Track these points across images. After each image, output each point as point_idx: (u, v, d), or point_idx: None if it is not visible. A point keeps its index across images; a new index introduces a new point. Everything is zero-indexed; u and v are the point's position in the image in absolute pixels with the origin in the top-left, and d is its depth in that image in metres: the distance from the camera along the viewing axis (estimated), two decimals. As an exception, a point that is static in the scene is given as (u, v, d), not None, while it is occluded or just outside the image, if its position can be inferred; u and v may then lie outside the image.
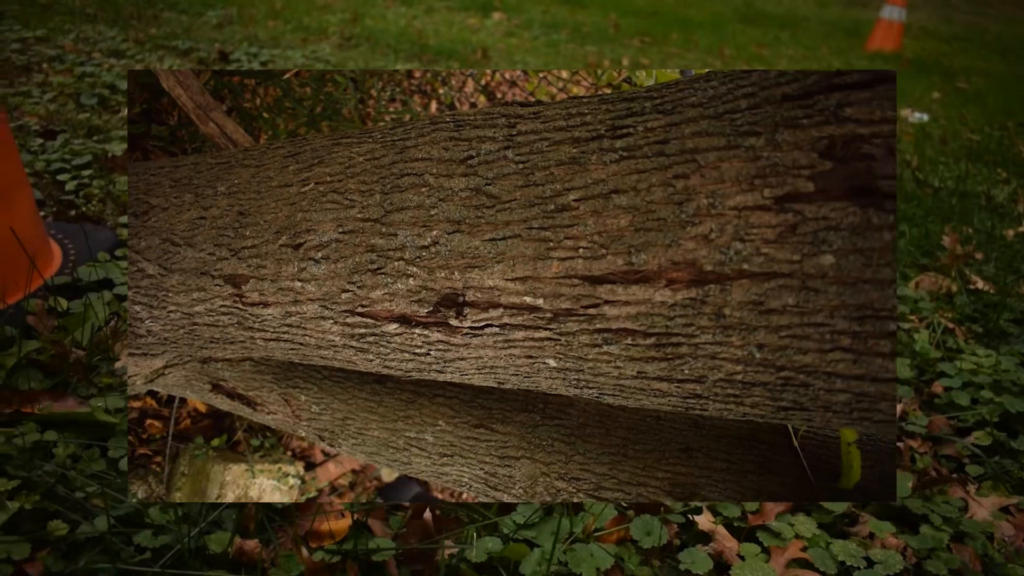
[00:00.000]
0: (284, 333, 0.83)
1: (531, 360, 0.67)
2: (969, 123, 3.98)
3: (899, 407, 1.35)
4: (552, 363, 0.66)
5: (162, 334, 0.96)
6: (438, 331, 0.70)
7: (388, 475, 2.50)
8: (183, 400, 2.25)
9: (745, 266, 0.53)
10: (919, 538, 1.04)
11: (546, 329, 0.64)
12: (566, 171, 0.63)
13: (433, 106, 3.13)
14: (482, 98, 3.28)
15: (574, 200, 0.62)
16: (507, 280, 0.64)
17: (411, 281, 0.70)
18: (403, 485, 2.44)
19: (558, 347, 0.64)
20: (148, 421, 2.17)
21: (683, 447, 0.92)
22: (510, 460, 0.99)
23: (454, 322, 0.68)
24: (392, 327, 0.73)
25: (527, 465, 0.98)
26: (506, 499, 1.01)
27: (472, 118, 0.74)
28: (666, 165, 0.58)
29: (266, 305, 0.82)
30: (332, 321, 0.77)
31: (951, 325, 1.66)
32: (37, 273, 1.36)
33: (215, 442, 2.24)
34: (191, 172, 0.95)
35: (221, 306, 0.86)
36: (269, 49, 3.60)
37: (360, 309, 0.74)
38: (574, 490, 0.95)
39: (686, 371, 0.59)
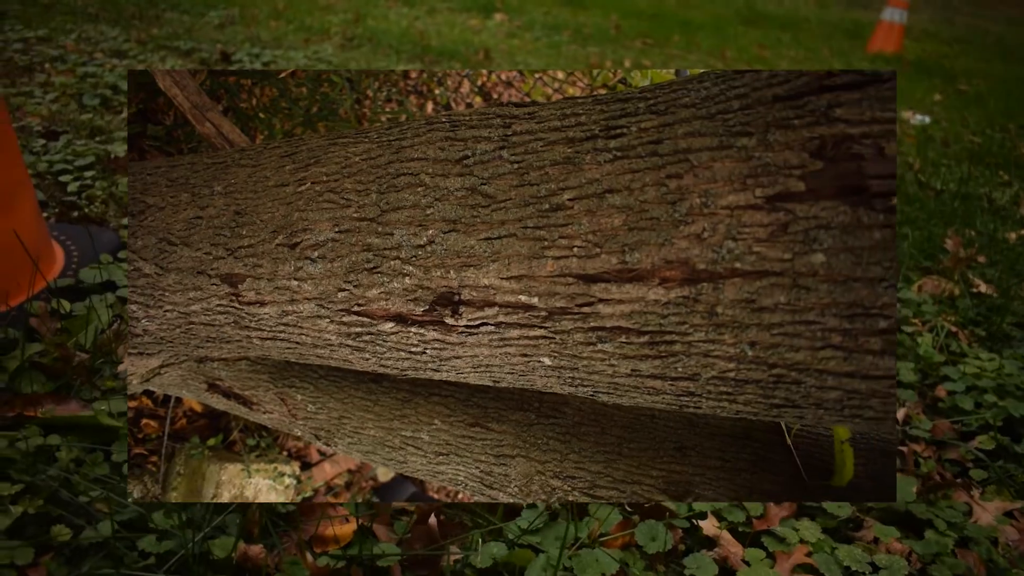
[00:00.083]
0: (280, 332, 0.84)
1: (526, 358, 0.68)
2: (970, 125, 3.98)
3: (903, 411, 1.35)
4: (547, 361, 0.67)
5: (158, 333, 0.97)
6: (434, 330, 0.71)
7: (384, 475, 2.50)
8: (179, 400, 2.24)
9: (737, 265, 0.54)
10: (924, 543, 1.04)
11: (541, 327, 0.64)
12: (561, 171, 0.63)
13: (429, 106, 3.13)
14: (478, 99, 3.28)
15: (568, 199, 0.62)
16: (502, 279, 0.65)
17: (407, 280, 0.70)
18: (399, 485, 2.44)
19: (553, 345, 0.65)
20: (144, 421, 2.17)
21: (677, 445, 0.93)
22: (505, 459, 1.00)
23: (450, 321, 0.69)
24: (388, 326, 0.73)
25: (522, 464, 0.99)
26: (502, 498, 1.01)
27: (468, 118, 0.74)
28: (659, 165, 0.58)
29: (262, 304, 0.82)
30: (328, 320, 0.78)
31: (954, 329, 1.66)
32: (40, 275, 1.35)
33: (211, 442, 2.24)
34: (188, 172, 0.95)
35: (217, 305, 0.87)
36: (271, 50, 3.60)
37: (356, 308, 0.74)
38: (569, 488, 0.96)
39: (679, 369, 0.60)
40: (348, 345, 0.79)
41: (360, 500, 2.05)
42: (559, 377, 0.69)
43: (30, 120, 2.21)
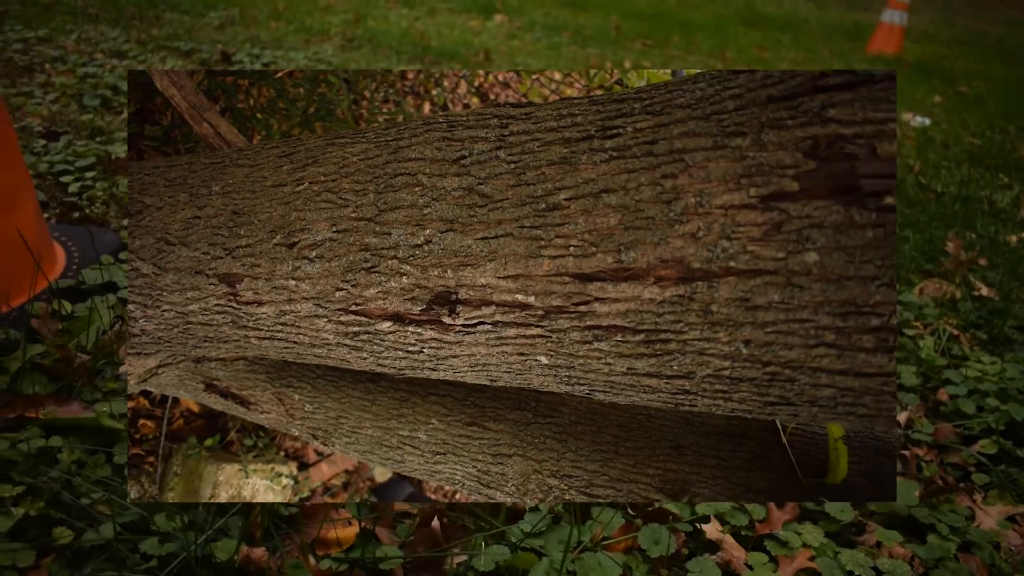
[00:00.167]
0: (278, 332, 0.84)
1: (523, 357, 0.68)
2: (971, 127, 3.98)
3: (905, 414, 1.35)
4: (543, 360, 0.67)
5: (156, 333, 0.97)
6: (431, 329, 0.71)
7: (382, 475, 2.51)
8: (176, 400, 2.24)
9: (732, 263, 0.54)
10: (926, 547, 1.04)
11: (537, 326, 0.65)
12: (557, 171, 0.64)
13: (426, 107, 3.14)
14: (475, 99, 3.29)
15: (565, 199, 0.63)
16: (499, 278, 0.65)
17: (404, 279, 0.70)
18: (396, 485, 2.45)
19: (549, 344, 0.65)
20: (141, 421, 2.17)
21: (673, 444, 0.93)
22: (503, 458, 1.00)
23: (447, 320, 0.69)
24: (386, 325, 0.74)
25: (519, 463, 0.99)
26: (499, 497, 1.01)
27: (465, 119, 0.75)
28: (655, 165, 0.59)
29: (260, 304, 0.82)
30: (326, 319, 0.78)
31: (956, 332, 1.66)
32: (41, 276, 1.35)
33: (208, 442, 2.24)
34: (186, 172, 0.95)
35: (215, 305, 0.87)
36: (271, 50, 3.60)
37: (354, 307, 0.75)
38: (566, 487, 0.96)
39: (675, 367, 0.60)
40: (346, 344, 0.79)
41: (358, 501, 2.06)
42: (556, 376, 0.69)
43: (30, 120, 2.21)
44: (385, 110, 2.83)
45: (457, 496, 2.37)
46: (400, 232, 0.71)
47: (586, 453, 0.96)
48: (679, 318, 0.58)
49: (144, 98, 2.31)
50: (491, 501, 1.04)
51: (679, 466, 0.92)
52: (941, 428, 1.33)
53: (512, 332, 0.67)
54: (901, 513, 1.11)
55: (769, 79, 0.57)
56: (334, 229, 0.76)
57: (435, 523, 1.00)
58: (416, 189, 0.72)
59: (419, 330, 0.72)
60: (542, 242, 0.63)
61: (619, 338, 0.61)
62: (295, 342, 0.84)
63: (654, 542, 0.99)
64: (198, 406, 2.31)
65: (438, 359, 0.75)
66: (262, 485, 2.20)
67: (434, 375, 0.79)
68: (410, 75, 3.15)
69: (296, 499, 2.25)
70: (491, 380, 0.76)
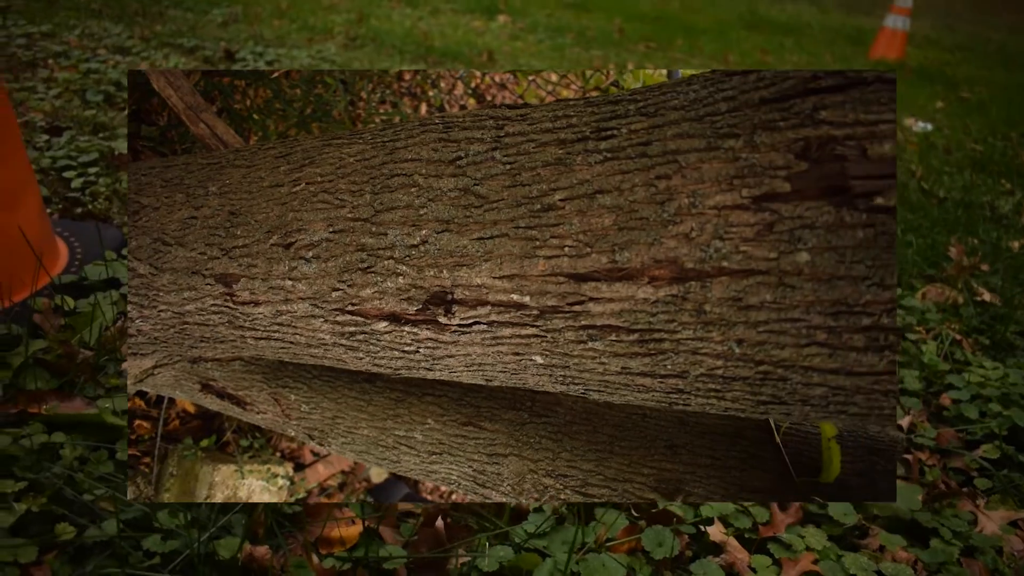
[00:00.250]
0: (275, 332, 0.84)
1: (518, 357, 0.69)
2: (973, 133, 3.98)
3: (907, 418, 1.36)
4: (539, 360, 0.68)
5: (152, 333, 0.97)
6: (427, 329, 0.72)
7: (378, 476, 2.51)
8: (172, 401, 2.24)
9: (724, 263, 0.55)
10: (929, 552, 1.05)
11: (533, 326, 0.65)
12: (552, 172, 0.64)
13: (423, 108, 3.14)
14: (472, 101, 3.30)
15: (560, 200, 0.63)
16: (495, 278, 0.66)
17: (400, 280, 0.71)
18: (392, 486, 2.45)
19: (544, 344, 0.66)
20: (137, 422, 2.17)
21: (668, 444, 0.94)
22: (498, 457, 1.01)
23: (443, 320, 0.70)
24: (382, 325, 0.74)
25: (515, 462, 0.99)
26: (494, 497, 1.02)
27: (461, 120, 0.75)
28: (649, 166, 0.59)
29: (257, 304, 0.83)
30: (322, 320, 0.78)
31: (958, 337, 1.67)
32: (44, 271, 1.35)
33: (204, 443, 2.24)
34: (182, 172, 0.96)
35: (212, 305, 0.87)
36: (275, 48, 3.59)
37: (350, 307, 0.75)
38: (561, 487, 0.97)
39: (668, 366, 0.61)
40: (342, 344, 0.80)
41: (354, 501, 2.05)
42: (551, 375, 0.69)
43: (33, 116, 2.21)
44: (382, 111, 2.84)
45: (453, 496, 2.38)
46: (396, 232, 0.71)
47: (581, 453, 0.96)
48: (673, 318, 0.58)
49: (141, 98, 2.31)
50: (487, 501, 1.04)
51: (674, 465, 0.92)
52: (944, 433, 1.34)
53: (507, 332, 0.67)
54: (904, 517, 1.11)
55: (762, 81, 0.58)
56: (330, 229, 0.76)
57: (439, 523, 1.00)
58: (412, 190, 0.72)
59: (415, 330, 0.72)
60: (537, 242, 0.64)
61: (613, 338, 0.61)
62: (291, 342, 0.84)
63: (658, 544, 0.99)
64: (194, 407, 2.31)
65: (434, 359, 0.75)
66: (258, 486, 2.20)
67: (430, 375, 0.80)
68: (407, 76, 3.16)
69: (292, 499, 2.25)
70: (487, 380, 0.76)
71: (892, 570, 1.00)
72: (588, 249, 0.61)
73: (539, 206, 0.64)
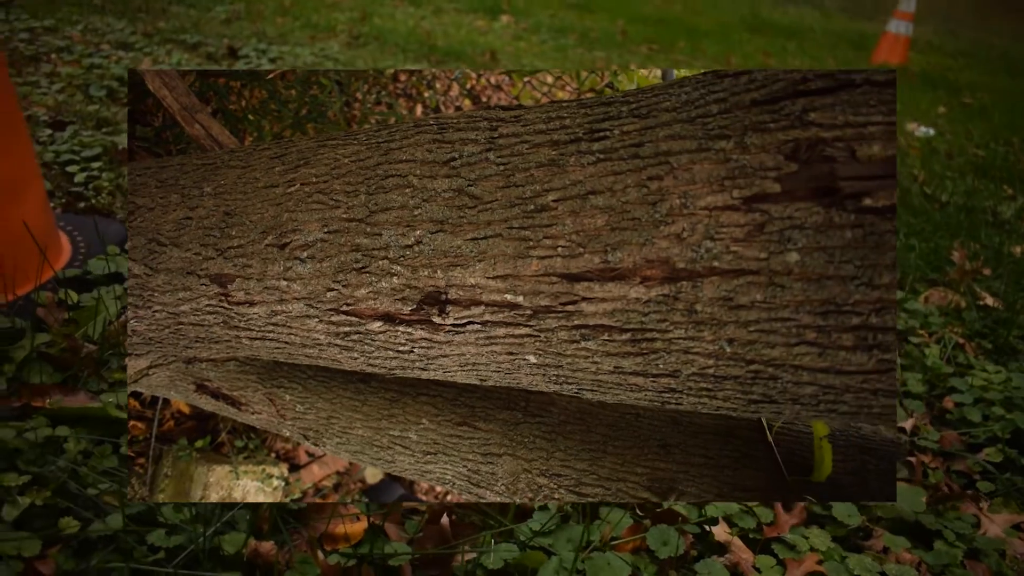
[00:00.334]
0: (270, 332, 0.85)
1: (512, 356, 0.69)
2: (975, 138, 3.98)
3: (911, 421, 1.37)
4: (532, 359, 0.68)
5: (147, 334, 0.97)
6: (421, 329, 0.72)
7: (372, 476, 2.51)
8: (166, 401, 2.24)
9: (715, 263, 0.55)
10: (933, 554, 1.05)
11: (526, 326, 0.66)
12: (545, 172, 0.65)
13: (419, 109, 3.15)
14: (467, 102, 3.30)
15: (553, 200, 0.64)
16: (488, 278, 0.66)
17: (395, 280, 0.71)
18: (387, 486, 2.45)
19: (538, 343, 0.66)
20: (131, 422, 2.17)
21: (661, 443, 0.95)
22: (493, 457, 1.01)
23: (437, 320, 0.70)
24: (376, 325, 0.75)
25: (509, 462, 1.00)
26: (489, 496, 1.02)
27: (455, 121, 0.75)
28: (641, 167, 0.60)
29: (252, 304, 0.83)
30: (317, 320, 0.79)
31: (961, 340, 1.67)
32: (48, 265, 1.35)
33: (199, 443, 2.24)
34: (177, 172, 0.96)
35: (207, 305, 0.87)
36: (278, 46, 3.59)
37: (345, 307, 0.75)
38: (555, 486, 0.97)
39: (661, 366, 0.61)
40: (337, 344, 0.80)
41: (350, 502, 2.05)
42: (544, 375, 0.70)
43: (36, 110, 2.20)
44: (377, 112, 2.84)
45: (449, 497, 2.38)
46: (391, 233, 0.72)
47: (575, 452, 0.97)
48: (664, 317, 0.59)
49: (136, 99, 2.31)
50: (481, 500, 1.05)
51: (667, 464, 0.93)
52: (947, 435, 1.34)
53: (501, 332, 0.67)
54: (908, 519, 1.11)
55: (753, 83, 0.58)
56: (325, 230, 0.76)
57: (444, 520, 1.00)
58: (407, 190, 0.72)
59: (409, 330, 0.73)
60: (530, 243, 0.64)
61: (606, 337, 0.62)
62: (286, 342, 0.85)
63: (663, 543, 1.00)
64: (189, 407, 2.31)
65: (428, 359, 0.76)
66: (253, 487, 2.20)
67: (424, 375, 0.80)
68: (402, 77, 3.16)
69: (287, 500, 2.25)
70: (481, 380, 0.77)
71: (896, 571, 1.00)
72: (581, 249, 0.62)
73: (532, 207, 0.65)
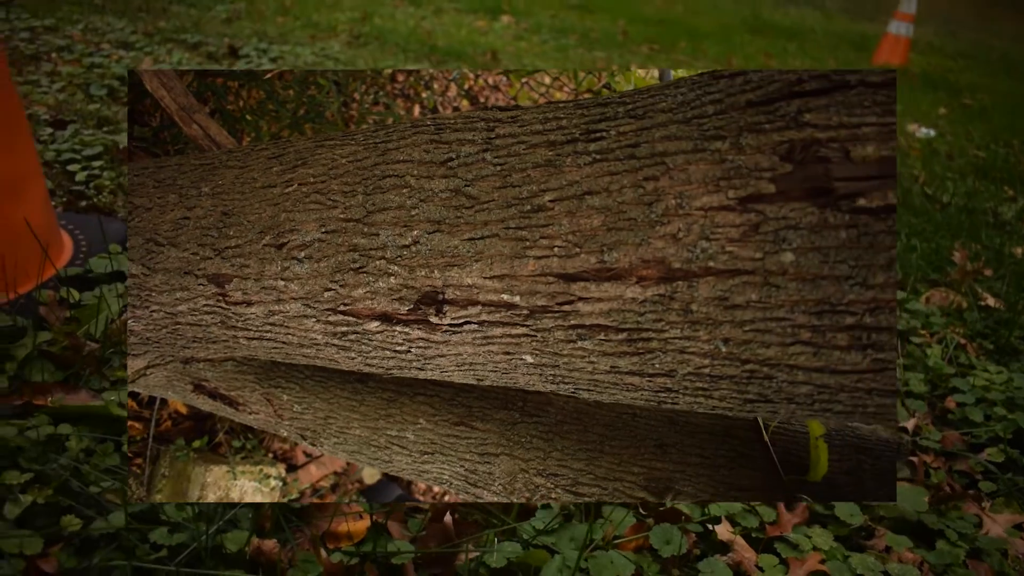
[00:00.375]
0: (267, 332, 0.85)
1: (509, 356, 0.70)
2: (975, 139, 3.99)
3: (912, 421, 1.37)
4: (529, 359, 0.68)
5: (144, 334, 0.97)
6: (418, 328, 0.72)
7: (370, 477, 2.51)
8: (164, 401, 2.24)
9: (711, 263, 0.56)
10: (936, 553, 1.05)
11: (523, 326, 0.66)
12: (542, 173, 0.65)
13: (416, 110, 3.15)
14: (465, 102, 3.31)
15: (549, 201, 0.64)
16: (485, 278, 0.66)
17: (392, 280, 0.71)
18: (385, 487, 2.45)
19: (534, 343, 0.67)
20: (128, 423, 2.17)
21: (658, 443, 0.95)
22: (490, 457, 1.01)
23: (434, 319, 0.70)
24: (373, 325, 0.75)
25: (506, 462, 1.00)
26: (486, 496, 1.02)
27: (452, 122, 0.76)
28: (637, 167, 0.60)
29: (249, 304, 0.83)
30: (315, 319, 0.79)
31: (963, 341, 1.67)
32: (50, 263, 1.35)
33: (196, 444, 2.24)
34: (175, 173, 0.96)
35: (204, 305, 0.88)
36: (278, 45, 3.59)
37: (342, 307, 0.76)
38: (552, 486, 0.97)
39: (657, 365, 0.61)
40: (334, 344, 0.80)
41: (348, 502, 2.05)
42: (541, 375, 0.70)
43: (36, 109, 2.21)
44: (375, 112, 2.84)
45: (446, 497, 2.38)
46: (388, 233, 0.72)
47: (572, 452, 0.97)
48: (660, 317, 0.59)
49: (134, 99, 2.31)
50: (478, 500, 1.05)
51: (663, 464, 0.93)
52: (949, 435, 1.34)
53: (498, 331, 0.68)
54: (910, 519, 1.12)
55: (748, 84, 0.59)
56: (323, 230, 0.77)
57: (447, 518, 1.00)
58: (404, 191, 0.73)
59: (406, 330, 0.73)
60: (527, 243, 0.64)
61: (602, 337, 0.62)
62: (284, 342, 0.85)
63: (666, 542, 1.00)
64: (186, 408, 2.31)
65: (425, 359, 0.76)
66: (250, 487, 2.20)
67: (421, 375, 0.80)
68: (400, 78, 3.16)
69: (285, 500, 2.25)
70: (478, 379, 0.77)
71: (899, 571, 1.00)
72: (577, 249, 0.62)
73: (529, 207, 0.65)
